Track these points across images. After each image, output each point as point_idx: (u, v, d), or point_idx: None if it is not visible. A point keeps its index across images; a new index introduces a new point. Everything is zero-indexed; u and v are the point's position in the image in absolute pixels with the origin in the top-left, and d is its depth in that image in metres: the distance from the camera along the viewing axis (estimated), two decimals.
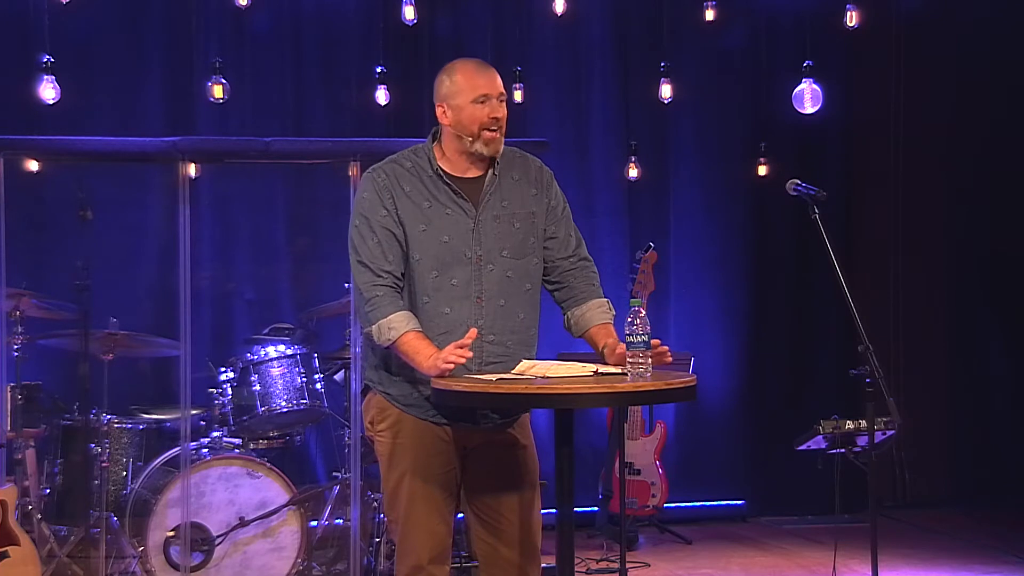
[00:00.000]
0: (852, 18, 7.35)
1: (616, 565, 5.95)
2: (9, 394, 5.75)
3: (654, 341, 3.56)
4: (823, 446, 5.62)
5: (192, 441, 5.78)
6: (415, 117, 6.97)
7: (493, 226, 3.77)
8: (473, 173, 3.81)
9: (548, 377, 3.57)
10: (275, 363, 6.03)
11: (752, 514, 7.68)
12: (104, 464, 5.81)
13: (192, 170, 5.96)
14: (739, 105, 7.76)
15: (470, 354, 3.55)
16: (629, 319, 3.51)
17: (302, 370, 6.05)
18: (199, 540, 5.66)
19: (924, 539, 7.07)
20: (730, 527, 7.47)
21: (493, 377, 3.57)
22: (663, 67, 7.33)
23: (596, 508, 6.82)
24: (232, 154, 6.16)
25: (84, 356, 5.66)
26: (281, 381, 6.02)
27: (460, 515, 3.99)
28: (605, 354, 3.77)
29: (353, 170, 5.65)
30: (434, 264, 3.72)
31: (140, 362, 6.65)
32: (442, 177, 3.77)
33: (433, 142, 3.84)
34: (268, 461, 5.84)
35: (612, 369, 3.64)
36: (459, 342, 3.55)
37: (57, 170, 6.39)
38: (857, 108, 7.86)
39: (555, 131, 7.29)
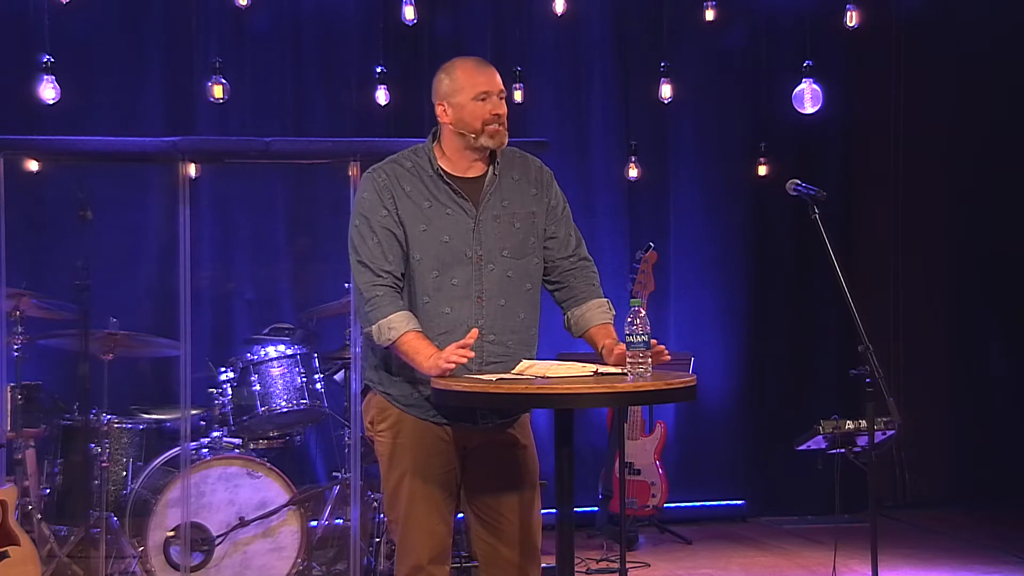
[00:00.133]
0: (852, 18, 7.35)
1: (616, 565, 5.95)
2: (9, 394, 5.75)
3: (651, 341, 3.57)
4: (823, 446, 5.62)
5: (192, 441, 5.78)
6: (415, 117, 6.96)
7: (493, 226, 3.77)
8: (473, 173, 3.81)
9: (548, 377, 3.57)
10: (275, 363, 6.03)
11: (752, 514, 7.68)
12: (104, 464, 5.81)
13: (192, 170, 5.96)
14: (739, 105, 7.76)
15: (471, 354, 3.55)
16: (629, 319, 3.51)
17: (302, 370, 6.05)
18: (199, 540, 5.66)
19: (924, 539, 7.07)
20: (730, 527, 7.47)
21: (493, 377, 3.57)
22: (663, 67, 7.33)
23: (596, 508, 6.82)
24: (232, 154, 6.16)
25: (84, 356, 5.66)
26: (281, 381, 6.02)
27: (460, 515, 3.99)
28: (604, 354, 3.77)
29: (353, 170, 5.65)
30: (434, 264, 3.72)
31: (140, 362, 6.65)
32: (442, 177, 3.78)
33: (433, 142, 3.84)
34: (268, 461, 5.84)
35: (612, 369, 3.64)
36: (461, 342, 3.55)
37: (57, 170, 6.39)
38: (857, 108, 7.86)
39: (555, 131, 7.29)
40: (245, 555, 5.75)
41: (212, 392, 6.02)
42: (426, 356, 3.60)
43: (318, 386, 6.10)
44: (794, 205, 5.08)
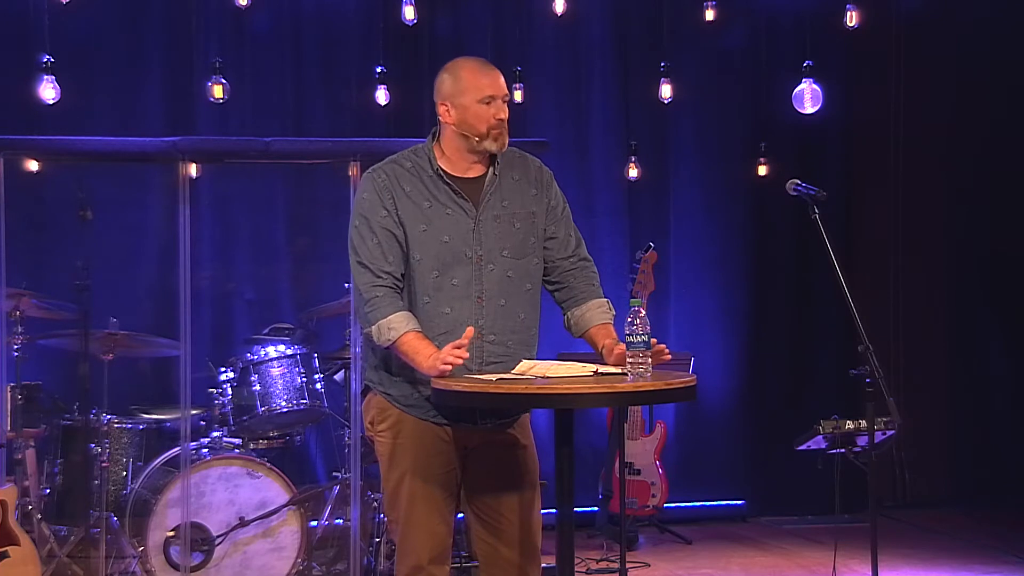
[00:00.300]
0: (852, 18, 7.35)
1: (616, 565, 5.95)
2: (9, 394, 5.75)
3: (651, 341, 3.57)
4: (823, 446, 5.62)
5: (192, 441, 5.77)
6: (415, 117, 6.97)
7: (493, 226, 3.77)
8: (473, 173, 3.81)
9: (548, 377, 3.57)
10: (275, 363, 6.03)
11: (752, 514, 7.68)
12: (104, 464, 5.81)
13: (193, 170, 5.97)
14: (739, 105, 7.76)
15: (467, 355, 3.55)
16: (629, 319, 3.51)
17: (302, 370, 6.05)
18: (199, 540, 5.66)
19: (924, 539, 7.07)
20: (730, 527, 7.47)
21: (493, 377, 3.57)
22: (663, 67, 7.33)
23: (596, 508, 6.82)
24: (232, 154, 6.16)
25: (84, 356, 5.66)
26: (281, 381, 6.02)
27: (460, 515, 3.99)
28: (604, 354, 3.77)
29: (353, 170, 5.65)
30: (434, 264, 3.72)
31: (140, 362, 6.65)
32: (442, 177, 3.77)
33: (432, 141, 3.83)
34: (268, 461, 5.84)
35: (612, 369, 3.64)
36: (457, 342, 3.55)
37: (57, 170, 6.39)
38: (857, 108, 7.86)
39: (555, 131, 7.29)
40: (245, 555, 5.75)
41: (212, 392, 6.02)
42: (426, 356, 3.60)
43: (318, 386, 6.10)
44: (794, 205, 5.08)
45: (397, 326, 3.66)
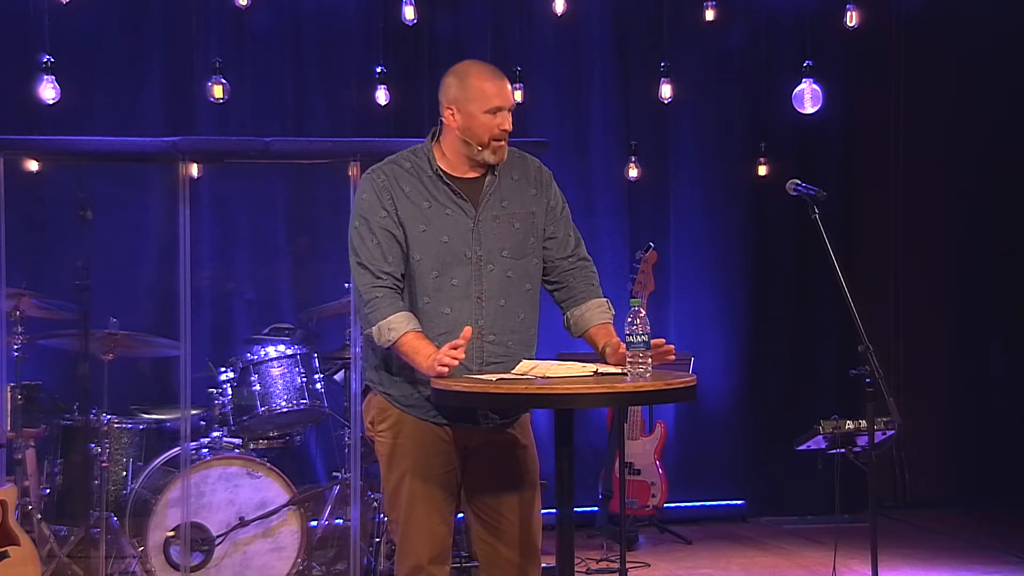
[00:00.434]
0: (852, 18, 7.36)
1: (616, 565, 5.95)
2: (9, 394, 5.75)
3: (657, 340, 3.57)
4: (823, 446, 5.62)
5: (192, 441, 5.78)
6: (415, 117, 6.97)
7: (493, 226, 3.77)
8: (473, 174, 3.80)
9: (548, 377, 3.57)
10: (275, 363, 6.03)
11: (752, 514, 7.68)
12: (104, 464, 5.81)
13: (194, 170, 5.97)
14: (739, 105, 7.76)
15: (463, 355, 3.55)
16: (629, 319, 3.51)
17: (302, 370, 6.05)
18: (199, 540, 5.66)
19: (924, 539, 7.07)
20: (730, 527, 7.47)
21: (493, 377, 3.57)
22: (663, 67, 7.33)
23: (596, 508, 6.82)
24: (232, 154, 6.16)
25: (84, 356, 5.66)
26: (281, 381, 6.02)
27: (460, 515, 3.99)
28: (606, 354, 3.76)
29: (353, 170, 5.65)
30: (434, 264, 3.72)
31: (140, 362, 6.65)
32: (442, 177, 3.77)
33: (432, 141, 3.83)
34: (268, 461, 5.84)
35: (612, 369, 3.64)
36: (454, 342, 3.54)
37: (57, 170, 6.39)
38: (857, 108, 7.86)
39: (555, 131, 7.29)
40: (245, 555, 5.75)
41: (212, 392, 6.02)
42: (425, 356, 3.60)
43: (318, 386, 6.10)
44: (794, 205, 5.08)
45: (397, 326, 3.66)
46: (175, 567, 5.64)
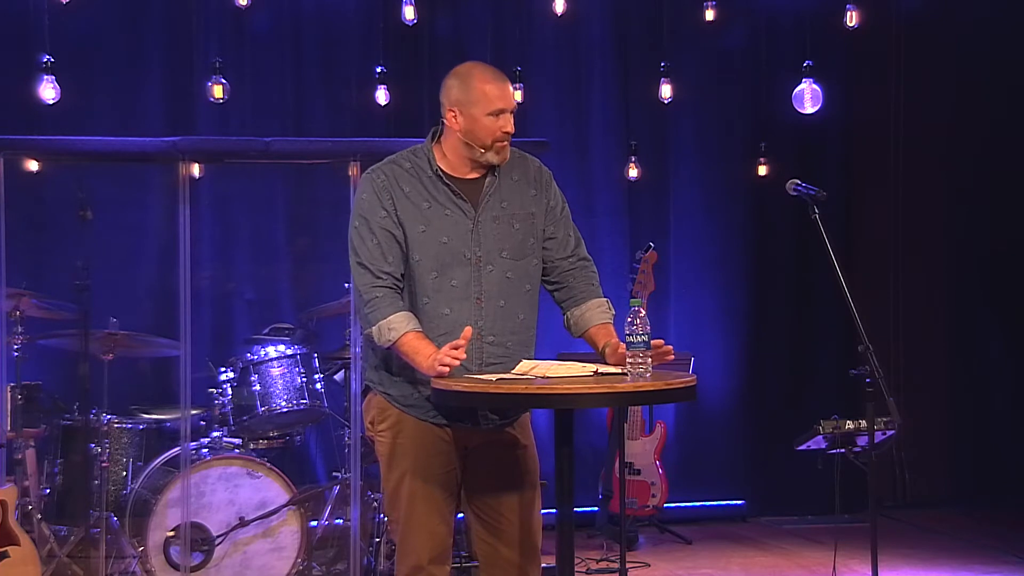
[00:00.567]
0: (852, 18, 7.36)
1: (616, 565, 5.95)
2: (9, 394, 5.75)
3: (657, 341, 3.57)
4: (823, 446, 5.62)
5: (192, 441, 5.78)
6: (415, 117, 6.97)
7: (492, 227, 3.77)
8: (473, 174, 3.80)
9: (548, 377, 3.57)
10: (275, 363, 6.03)
11: (752, 514, 7.68)
12: (104, 464, 5.81)
13: (196, 170, 5.97)
14: (739, 105, 7.76)
15: (464, 355, 3.55)
16: (629, 319, 3.51)
17: (302, 370, 6.05)
18: (199, 540, 5.66)
19: (924, 539, 7.07)
20: (730, 527, 7.47)
21: (493, 377, 3.57)
22: (663, 67, 7.33)
23: (596, 508, 6.82)
24: (232, 154, 6.16)
25: (84, 356, 5.65)
26: (281, 381, 6.02)
27: (460, 515, 3.99)
28: (607, 354, 3.76)
29: (353, 170, 5.65)
30: (434, 265, 3.72)
31: (140, 362, 6.65)
32: (442, 178, 3.77)
33: (432, 142, 3.83)
34: (268, 461, 5.84)
35: (612, 369, 3.64)
36: (454, 342, 3.54)
37: (57, 170, 6.39)
38: (857, 108, 7.86)
39: (555, 131, 7.29)
40: (245, 555, 5.75)
41: (212, 392, 6.02)
42: (425, 356, 3.60)
43: (318, 386, 6.10)
44: (794, 205, 5.08)
45: (397, 326, 3.66)
46: (175, 567, 5.64)
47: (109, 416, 5.92)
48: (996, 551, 6.65)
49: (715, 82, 7.74)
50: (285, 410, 6.01)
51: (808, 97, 7.28)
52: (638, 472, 6.89)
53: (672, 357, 3.63)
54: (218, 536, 5.69)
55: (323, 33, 7.27)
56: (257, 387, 5.97)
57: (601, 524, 6.76)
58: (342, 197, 5.76)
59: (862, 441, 5.45)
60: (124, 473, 5.94)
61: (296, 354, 6.07)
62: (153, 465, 5.85)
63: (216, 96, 6.69)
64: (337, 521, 6.10)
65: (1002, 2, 7.74)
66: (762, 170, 7.53)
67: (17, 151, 5.81)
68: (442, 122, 3.80)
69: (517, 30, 7.41)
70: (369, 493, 5.85)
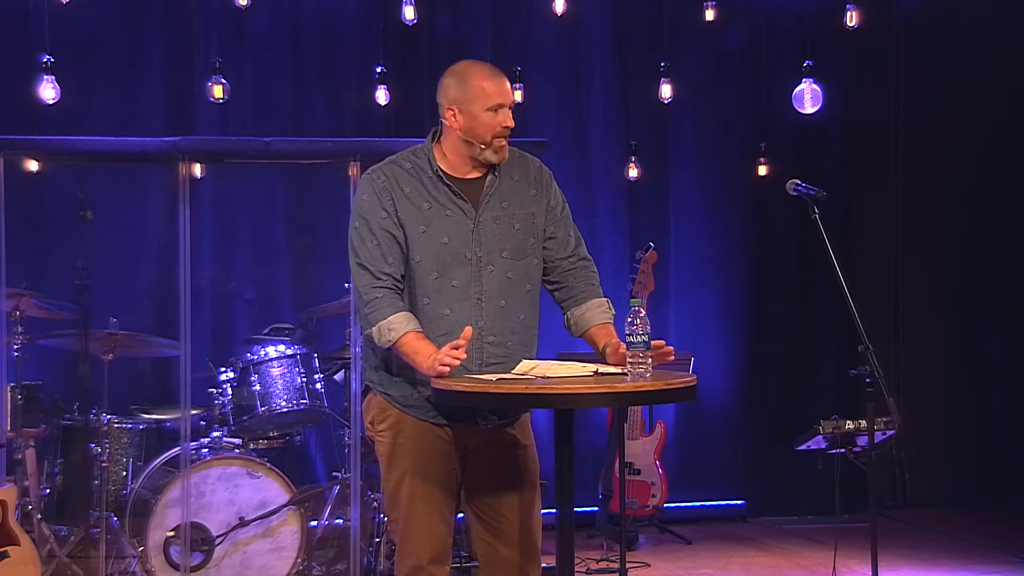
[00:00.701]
0: (852, 18, 7.36)
1: (616, 565, 5.95)
2: (9, 394, 5.75)
3: (657, 342, 3.56)
4: (823, 446, 5.62)
5: (192, 441, 5.78)
6: (415, 117, 6.97)
7: (493, 227, 3.77)
8: (473, 174, 3.80)
9: (548, 377, 3.56)
10: (275, 363, 6.03)
11: (752, 514, 7.68)
12: (104, 464, 5.81)
13: (197, 170, 5.98)
14: (739, 105, 7.76)
15: (464, 355, 3.55)
16: (629, 319, 3.51)
17: (302, 370, 6.05)
18: (199, 540, 5.66)
19: (924, 539, 7.07)
20: (730, 527, 7.47)
21: (493, 377, 3.56)
22: (663, 67, 7.33)
23: (596, 508, 6.82)
24: (232, 154, 6.16)
25: (84, 356, 5.66)
26: (281, 381, 6.02)
27: (460, 515, 3.99)
28: (607, 354, 3.76)
29: (353, 170, 5.65)
30: (434, 265, 3.72)
31: (140, 362, 6.65)
32: (442, 178, 3.77)
33: (432, 142, 3.83)
34: (268, 461, 5.84)
35: (612, 369, 3.64)
36: (455, 342, 3.54)
37: (57, 170, 6.39)
38: (857, 108, 7.86)
39: (555, 131, 7.29)
40: (245, 555, 5.75)
41: (212, 392, 6.02)
42: (426, 356, 3.60)
43: (318, 386, 6.10)
44: (794, 205, 5.08)
45: (397, 327, 3.65)
46: (175, 567, 5.64)
47: (109, 416, 5.92)
48: (996, 551, 6.65)
49: (715, 82, 7.74)
50: (285, 410, 6.01)
51: (808, 97, 7.28)
52: (638, 472, 6.89)
53: (672, 358, 3.63)
54: (218, 536, 5.69)
55: (323, 33, 7.28)
56: (257, 387, 5.97)
57: (601, 524, 6.76)
58: (342, 197, 5.76)
59: (862, 441, 5.45)
60: (124, 473, 5.94)
61: (296, 354, 6.07)
62: (153, 465, 5.85)
63: (216, 96, 6.69)
64: (337, 521, 6.10)
65: (1002, 2, 7.74)
66: (762, 170, 7.53)
67: (17, 151, 5.81)
68: (441, 122, 3.80)
69: (517, 30, 7.41)
70: (369, 493, 5.85)
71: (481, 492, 3.85)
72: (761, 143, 7.55)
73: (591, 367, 3.62)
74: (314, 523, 6.02)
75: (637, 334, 3.49)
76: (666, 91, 7.33)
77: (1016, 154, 7.84)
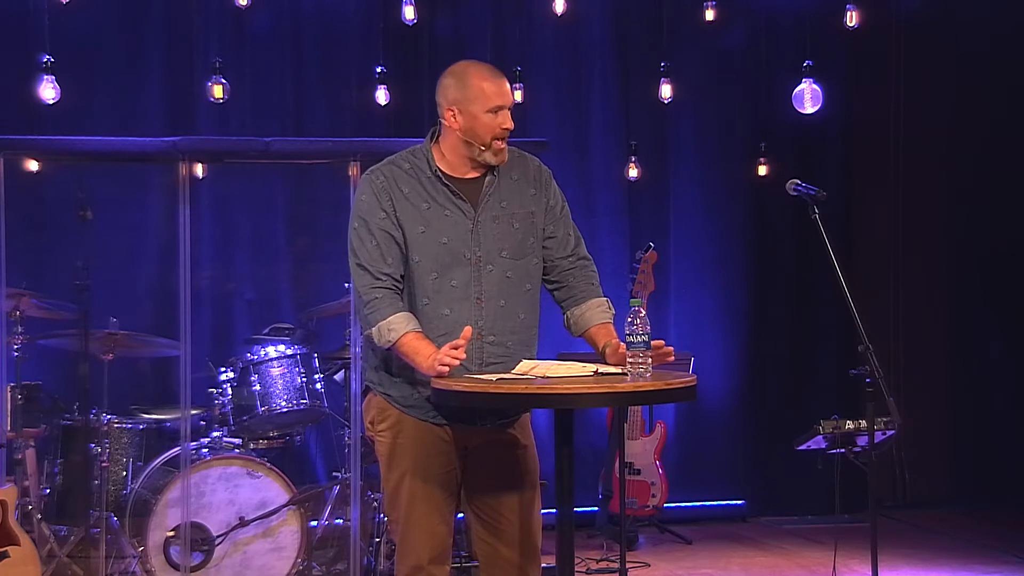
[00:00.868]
0: (852, 18, 7.36)
1: (616, 565, 5.95)
2: (9, 394, 5.75)
3: (657, 342, 3.56)
4: (823, 446, 5.62)
5: (192, 441, 5.78)
6: (415, 117, 6.97)
7: (492, 227, 3.77)
8: (472, 174, 3.80)
9: (548, 377, 3.56)
10: (275, 363, 6.03)
11: (752, 514, 7.68)
12: (104, 464, 5.82)
13: (199, 170, 5.98)
14: (739, 105, 7.76)
15: (464, 355, 3.55)
16: (629, 319, 3.51)
17: (302, 370, 6.05)
18: (199, 540, 5.67)
19: (924, 539, 7.07)
20: (730, 527, 7.47)
21: (493, 377, 3.56)
22: (663, 67, 7.33)
23: (596, 508, 6.82)
24: (232, 154, 6.16)
25: (84, 356, 5.66)
26: (281, 381, 6.02)
27: (460, 515, 3.99)
28: (607, 354, 3.76)
29: (353, 170, 5.65)
30: (433, 266, 3.72)
31: (140, 362, 6.65)
32: (441, 178, 3.77)
33: (431, 142, 3.83)
34: (268, 461, 5.84)
35: (612, 369, 3.64)
36: (454, 342, 3.54)
37: (57, 170, 6.39)
38: (857, 108, 7.86)
39: (555, 131, 7.29)
40: (245, 555, 5.75)
41: (212, 392, 6.02)
42: (425, 356, 3.60)
43: (318, 386, 6.10)
44: (794, 205, 5.08)
45: (397, 327, 3.65)
46: (175, 567, 5.64)
47: (109, 416, 5.92)
48: (996, 551, 6.65)
49: (715, 82, 7.74)
50: (285, 410, 6.01)
51: (808, 97, 7.28)
52: (638, 472, 6.89)
53: (672, 358, 3.63)
54: (218, 536, 5.69)
55: (323, 33, 7.28)
56: (257, 387, 5.97)
57: (601, 524, 6.76)
58: (342, 197, 5.76)
59: (862, 441, 5.45)
60: (124, 473, 5.94)
61: (296, 354, 6.07)
62: (153, 465, 5.85)
63: (216, 96, 6.69)
64: (337, 521, 6.10)
65: (1002, 2, 7.74)
66: (762, 170, 7.53)
67: (17, 151, 5.81)
68: (440, 122, 3.79)
69: (517, 30, 7.41)
70: (369, 493, 5.85)
71: (481, 492, 3.85)
72: (761, 143, 7.55)
73: (591, 367, 3.62)
74: (314, 523, 6.02)
75: (637, 334, 3.49)
76: (666, 91, 7.34)
77: (1016, 154, 7.84)
